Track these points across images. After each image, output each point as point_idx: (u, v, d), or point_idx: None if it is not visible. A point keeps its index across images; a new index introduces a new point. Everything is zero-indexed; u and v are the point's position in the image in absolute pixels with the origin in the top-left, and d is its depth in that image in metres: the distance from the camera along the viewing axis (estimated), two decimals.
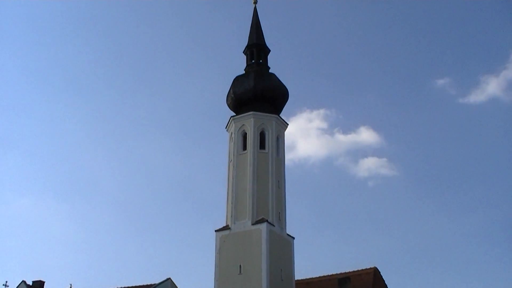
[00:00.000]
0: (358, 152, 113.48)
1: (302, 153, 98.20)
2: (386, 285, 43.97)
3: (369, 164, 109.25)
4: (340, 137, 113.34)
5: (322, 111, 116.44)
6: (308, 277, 47.54)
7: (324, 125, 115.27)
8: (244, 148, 45.82)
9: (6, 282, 57.95)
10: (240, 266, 41.56)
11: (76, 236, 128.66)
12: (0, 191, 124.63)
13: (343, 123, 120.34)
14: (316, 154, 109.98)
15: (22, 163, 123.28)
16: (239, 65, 50.43)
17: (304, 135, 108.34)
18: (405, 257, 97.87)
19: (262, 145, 45.68)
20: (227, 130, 48.27)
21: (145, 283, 53.81)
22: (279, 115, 47.43)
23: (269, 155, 45.36)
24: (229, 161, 46.58)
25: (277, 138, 46.71)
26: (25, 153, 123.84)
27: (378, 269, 44.72)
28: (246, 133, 46.11)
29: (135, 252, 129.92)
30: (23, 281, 53.20)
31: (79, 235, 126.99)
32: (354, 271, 44.82)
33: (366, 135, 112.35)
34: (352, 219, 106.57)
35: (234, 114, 47.49)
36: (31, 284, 54.55)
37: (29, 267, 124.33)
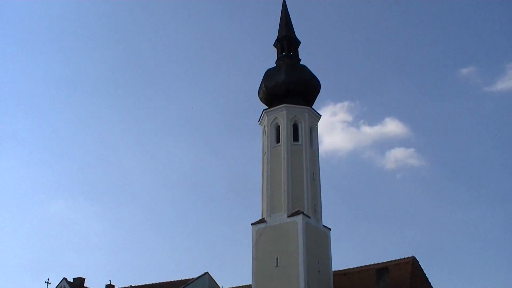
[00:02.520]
0: (385, 144, 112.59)
1: (328, 147, 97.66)
2: (424, 274, 43.57)
3: (396, 155, 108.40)
4: (366, 130, 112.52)
5: (346, 104, 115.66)
6: (345, 268, 47.47)
7: (349, 118, 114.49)
8: (278, 141, 45.81)
9: (48, 279, 59.11)
10: (277, 258, 41.61)
11: (113, 235, 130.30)
12: (35, 193, 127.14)
13: (368, 115, 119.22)
14: (342, 148, 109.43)
15: (55, 166, 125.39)
16: (270, 58, 50.48)
17: (329, 129, 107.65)
18: (442, 246, 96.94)
19: (295, 138, 45.61)
20: (260, 124, 48.31)
21: (183, 278, 54.39)
22: (311, 107, 47.29)
23: (302, 147, 45.28)
24: (263, 155, 46.63)
25: (310, 130, 46.59)
26: (58, 155, 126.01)
27: (416, 259, 44.33)
28: (279, 126, 46.09)
29: (172, 248, 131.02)
30: (64, 278, 54.14)
31: (116, 234, 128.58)
32: (392, 261, 44.53)
33: (392, 126, 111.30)
34: (386, 210, 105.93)
35: (267, 107, 47.51)
36: (71, 281, 55.50)
37: (70, 265, 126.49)
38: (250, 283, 43.43)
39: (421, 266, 44.20)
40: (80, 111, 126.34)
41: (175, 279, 54.75)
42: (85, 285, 57.86)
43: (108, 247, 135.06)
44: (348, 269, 47.13)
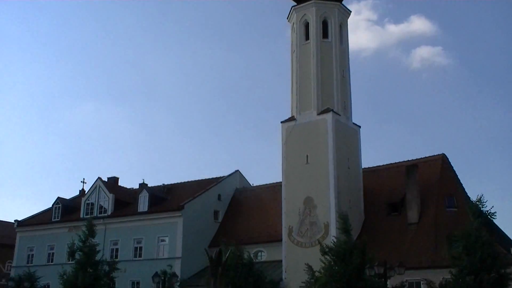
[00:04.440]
0: (411, 43, 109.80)
1: (352, 47, 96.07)
2: (454, 171, 43.61)
3: (422, 54, 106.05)
4: (391, 28, 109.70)
5: (370, 1, 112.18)
6: (375, 165, 47.76)
7: (373, 16, 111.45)
8: (307, 38, 45.00)
9: (84, 179, 60.80)
10: (307, 156, 41.93)
11: (145, 136, 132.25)
12: (63, 96, 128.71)
13: (393, 12, 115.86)
14: (367, 47, 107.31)
15: (83, 69, 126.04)
16: None
17: (353, 28, 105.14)
18: (471, 145, 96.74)
19: (325, 34, 44.74)
20: (288, 21, 47.35)
21: (214, 176, 55.39)
22: (341, 3, 46.00)
23: (332, 44, 44.49)
24: (292, 52, 45.99)
25: (340, 27, 45.59)
26: (85, 59, 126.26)
27: (446, 156, 44.27)
28: (308, 23, 45.13)
29: (203, 147, 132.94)
30: (98, 178, 55.44)
31: (147, 134, 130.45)
32: (421, 158, 44.59)
33: (418, 24, 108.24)
34: (415, 109, 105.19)
35: (295, 3, 46.31)
36: (106, 180, 56.89)
37: (104, 166, 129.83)
38: (280, 181, 44.09)
39: (451, 163, 44.22)
40: (108, 14, 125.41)
41: (207, 177, 55.85)
42: (119, 184, 59.38)
43: (140, 147, 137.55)
44: (377, 166, 47.43)
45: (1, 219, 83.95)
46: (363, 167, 44.83)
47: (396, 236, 39.65)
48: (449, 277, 30.53)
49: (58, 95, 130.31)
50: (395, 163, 46.35)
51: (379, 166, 47.33)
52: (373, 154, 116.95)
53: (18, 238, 58.58)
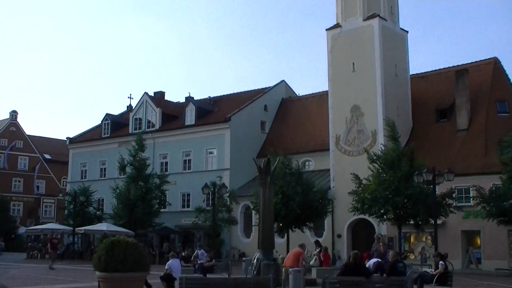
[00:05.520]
0: None
1: None
2: (507, 76, 42.26)
3: None
4: None
5: None
6: (423, 71, 46.67)
7: None
8: None
9: (131, 95, 61.45)
10: (353, 64, 41.15)
11: (189, 50, 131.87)
12: (107, 11, 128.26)
13: None
14: None
15: None
16: None
17: None
18: None
19: None
20: None
21: (260, 87, 55.13)
22: None
23: None
24: None
25: None
26: None
27: (498, 60, 42.84)
28: None
29: (248, 59, 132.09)
30: (145, 92, 55.80)
31: (191, 48, 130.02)
32: (472, 63, 43.28)
33: None
34: (464, 11, 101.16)
35: None
36: (152, 95, 57.27)
37: (150, 80, 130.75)
38: (327, 90, 43.61)
39: (503, 67, 42.83)
40: None
41: (252, 89, 55.66)
42: (165, 98, 59.78)
43: (185, 61, 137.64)
44: (425, 72, 46.34)
45: (54, 137, 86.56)
46: (411, 73, 43.92)
47: (445, 142, 39.13)
48: (499, 183, 30.24)
49: (103, 10, 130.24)
50: (444, 68, 45.24)
51: (428, 72, 46.24)
52: (421, 60, 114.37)
53: (71, 155, 60.14)
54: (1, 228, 63.18)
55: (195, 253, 23.75)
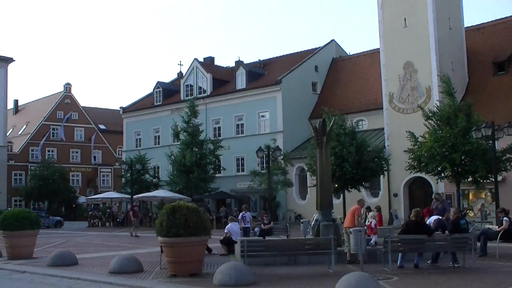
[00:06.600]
0: None
1: None
2: None
3: None
4: None
5: None
6: (479, 23, 45.15)
7: None
8: None
9: (180, 61, 61.89)
10: (405, 19, 40.09)
11: (236, 12, 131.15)
12: None
13: None
14: None
15: None
16: None
17: None
18: None
19: None
20: None
21: (309, 48, 54.55)
22: None
23: None
24: None
25: None
26: None
27: None
28: None
29: (297, 19, 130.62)
30: (195, 59, 55.92)
31: (239, 10, 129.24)
32: None
33: None
34: None
35: None
36: (202, 61, 57.37)
37: (199, 46, 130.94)
38: (378, 47, 42.78)
39: None
40: None
41: (302, 50, 55.10)
42: (215, 63, 59.85)
43: (233, 25, 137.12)
44: (481, 23, 44.79)
45: (108, 107, 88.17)
46: (465, 26, 42.52)
47: (504, 95, 37.99)
48: None
49: None
50: (501, 18, 43.61)
51: (484, 23, 44.63)
52: (477, 11, 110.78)
53: (125, 124, 61.03)
54: (62, 198, 65.07)
55: (239, 216, 23.29)
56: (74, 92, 78.51)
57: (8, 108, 59.93)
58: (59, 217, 52.02)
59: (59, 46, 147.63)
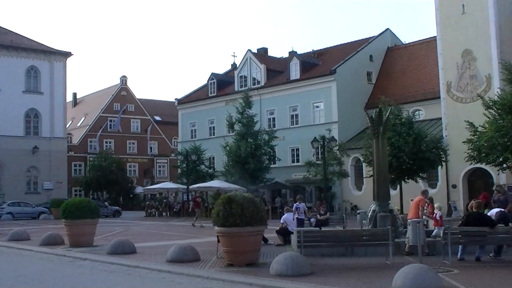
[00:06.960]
0: None
1: None
2: None
3: None
4: None
5: None
6: None
7: None
8: None
9: (234, 53, 62.00)
10: (463, 5, 38.99)
11: (290, 2, 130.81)
12: None
13: None
14: None
15: None
16: None
17: None
18: None
19: None
20: None
21: (364, 37, 53.87)
22: None
23: None
24: None
25: None
26: None
27: None
28: None
29: (351, 8, 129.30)
30: (248, 50, 55.97)
31: (292, 2, 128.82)
32: None
33: None
34: None
35: None
36: (256, 52, 57.38)
37: (252, 37, 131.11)
38: (435, 35, 41.84)
39: None
40: None
41: (356, 39, 54.48)
42: (268, 54, 59.76)
43: (287, 15, 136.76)
44: None
45: (163, 99, 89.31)
46: None
47: None
48: None
49: None
50: None
51: None
52: None
53: (180, 115, 61.62)
54: (120, 188, 66.35)
55: (293, 207, 22.82)
56: (130, 84, 79.99)
57: (67, 101, 61.30)
58: (117, 207, 53.16)
59: (116, 40, 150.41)
